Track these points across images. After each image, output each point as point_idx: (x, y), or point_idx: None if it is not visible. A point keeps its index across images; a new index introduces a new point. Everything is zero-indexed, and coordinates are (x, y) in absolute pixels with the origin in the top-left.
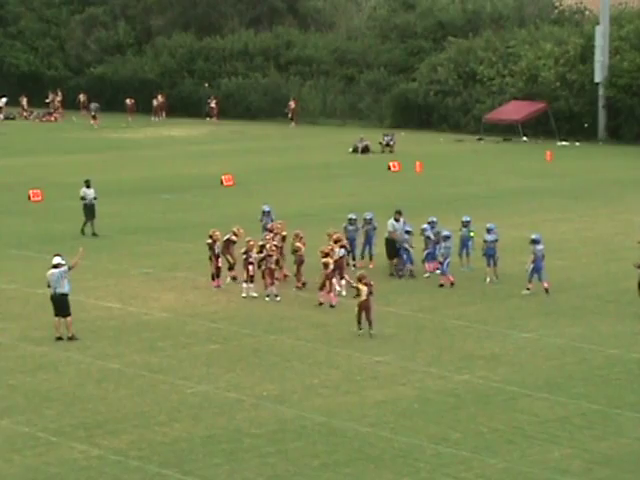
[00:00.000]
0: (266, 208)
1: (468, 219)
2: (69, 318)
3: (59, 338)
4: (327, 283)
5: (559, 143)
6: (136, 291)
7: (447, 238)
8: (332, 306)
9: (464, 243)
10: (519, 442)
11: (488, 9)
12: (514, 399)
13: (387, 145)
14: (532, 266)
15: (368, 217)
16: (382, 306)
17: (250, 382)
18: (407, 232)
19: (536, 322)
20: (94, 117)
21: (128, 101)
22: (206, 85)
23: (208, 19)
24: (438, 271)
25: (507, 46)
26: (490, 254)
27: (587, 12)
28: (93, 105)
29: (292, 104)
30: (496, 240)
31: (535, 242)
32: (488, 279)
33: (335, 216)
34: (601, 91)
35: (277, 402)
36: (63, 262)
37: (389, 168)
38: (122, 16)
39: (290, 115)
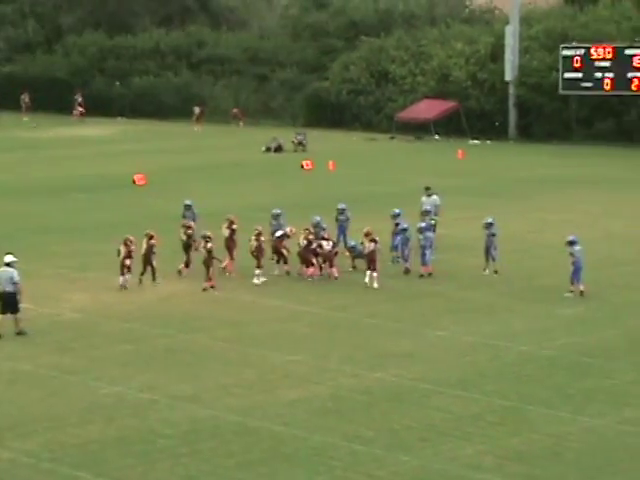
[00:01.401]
0: (187, 202)
1: (429, 208)
2: (18, 314)
3: None
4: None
5: (471, 142)
6: (48, 292)
7: (405, 230)
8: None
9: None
10: (432, 439)
11: (400, 8)
12: (427, 396)
13: (300, 144)
14: (572, 268)
15: (340, 207)
16: (295, 305)
17: (164, 382)
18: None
19: (449, 320)
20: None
21: (24, 97)
22: (117, 84)
23: (119, 17)
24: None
25: (419, 45)
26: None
27: (497, 11)
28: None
29: (197, 110)
30: (494, 234)
31: (572, 243)
32: (487, 271)
33: (251, 215)
34: (511, 90)
35: (191, 402)
36: (15, 260)
37: (302, 167)
38: (31, 14)
39: (195, 118)
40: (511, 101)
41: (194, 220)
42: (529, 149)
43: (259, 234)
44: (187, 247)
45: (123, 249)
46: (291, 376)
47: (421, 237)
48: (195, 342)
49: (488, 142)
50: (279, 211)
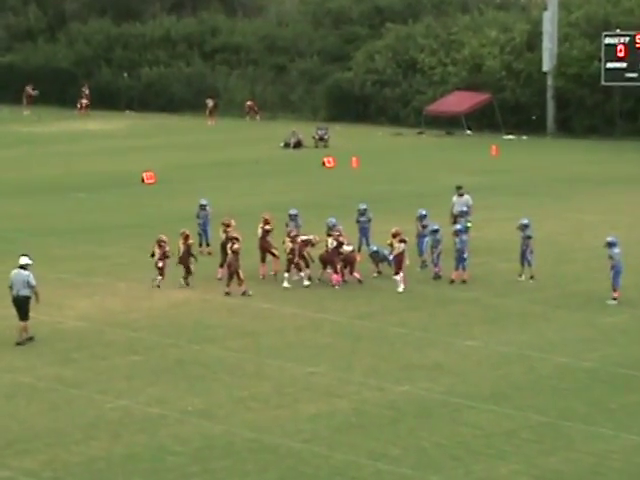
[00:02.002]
0: (203, 201)
1: (465, 209)
2: (27, 322)
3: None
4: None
5: (505, 137)
6: (50, 298)
7: (436, 232)
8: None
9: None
10: (463, 458)
11: None
12: (458, 411)
13: (321, 139)
14: (612, 273)
15: (362, 208)
16: (315, 312)
17: (174, 396)
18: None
19: (481, 329)
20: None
21: (28, 89)
22: (125, 75)
23: (127, 3)
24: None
25: (449, 33)
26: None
27: None
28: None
29: (210, 102)
30: (530, 237)
31: (611, 245)
32: (522, 277)
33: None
34: (549, 81)
35: (203, 417)
36: (30, 262)
37: (323, 164)
38: (33, 0)
39: (208, 112)
40: (549, 93)
41: (206, 222)
42: (568, 145)
43: (296, 236)
44: (225, 247)
45: (157, 250)
46: (311, 389)
47: (457, 240)
48: (207, 353)
49: (524, 137)
50: (296, 212)
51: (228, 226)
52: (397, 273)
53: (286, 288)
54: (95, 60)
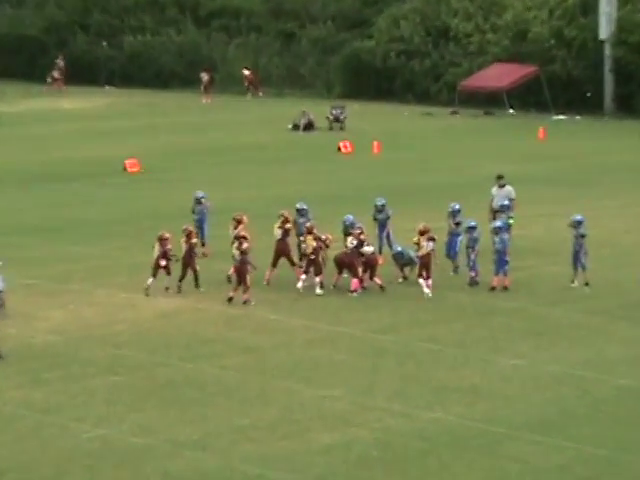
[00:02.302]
0: (199, 194)
1: (507, 203)
2: None
3: None
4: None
5: (555, 117)
6: (17, 308)
7: (473, 229)
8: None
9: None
10: None
11: None
12: (499, 443)
13: (336, 120)
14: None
15: (379, 203)
16: (330, 325)
17: (163, 424)
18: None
19: (527, 345)
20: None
21: None
22: (104, 44)
23: None
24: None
25: None
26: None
27: None
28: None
29: (205, 76)
30: (583, 235)
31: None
32: (577, 282)
33: (272, 211)
34: (607, 51)
35: (197, 449)
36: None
37: (339, 149)
38: None
39: (203, 87)
40: (607, 65)
41: (203, 218)
42: (629, 127)
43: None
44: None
45: (157, 247)
46: (325, 416)
47: (497, 239)
48: (202, 372)
49: (577, 118)
50: (305, 206)
51: (239, 222)
52: (421, 276)
53: (301, 293)
54: (69, 27)
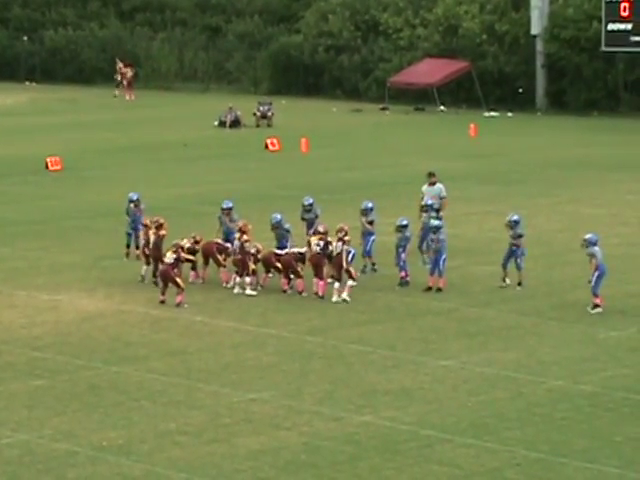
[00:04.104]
0: (133, 196)
1: (430, 202)
2: None
3: None
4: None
5: (486, 114)
6: None
7: (404, 227)
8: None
9: (427, 233)
10: None
11: None
12: (430, 447)
13: (263, 117)
14: (597, 274)
15: (307, 203)
16: (258, 327)
17: (86, 428)
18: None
19: (458, 346)
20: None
21: None
22: (25, 38)
23: None
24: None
25: None
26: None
27: None
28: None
29: (122, 67)
30: (521, 235)
31: (591, 243)
32: (508, 281)
33: (197, 209)
34: (539, 46)
35: (121, 454)
36: None
37: (266, 147)
38: None
39: (121, 81)
40: (539, 61)
41: (137, 220)
42: (562, 123)
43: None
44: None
45: (142, 235)
46: (252, 420)
47: (434, 238)
48: (127, 376)
49: (509, 114)
50: (231, 204)
51: (244, 232)
52: (334, 278)
53: (230, 294)
54: None
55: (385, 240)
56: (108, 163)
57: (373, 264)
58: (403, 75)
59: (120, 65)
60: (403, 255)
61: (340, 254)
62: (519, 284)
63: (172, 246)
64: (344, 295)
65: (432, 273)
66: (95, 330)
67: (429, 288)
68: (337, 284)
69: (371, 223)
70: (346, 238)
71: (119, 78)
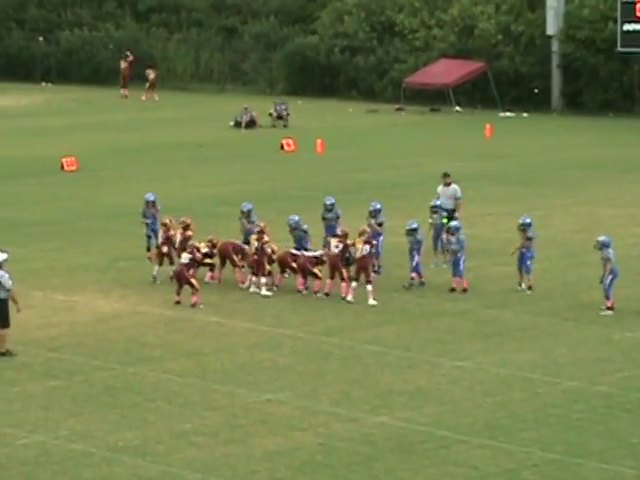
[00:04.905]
0: (150, 197)
1: (438, 203)
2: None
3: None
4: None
5: (502, 114)
6: None
7: (414, 231)
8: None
9: (438, 233)
10: None
11: None
12: (446, 447)
13: (279, 117)
14: (610, 277)
15: (329, 202)
16: (274, 328)
17: (102, 429)
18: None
19: (474, 347)
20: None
21: None
22: (41, 39)
23: None
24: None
25: None
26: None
27: None
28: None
29: (152, 73)
30: (531, 238)
31: (605, 246)
32: (524, 285)
33: (212, 210)
34: (555, 47)
35: (137, 455)
36: (6, 257)
37: (282, 147)
38: None
39: (148, 85)
40: (555, 61)
41: (156, 221)
42: (578, 123)
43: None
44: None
45: (160, 234)
46: (268, 421)
47: (453, 240)
48: (142, 377)
49: (524, 115)
50: (250, 206)
51: (262, 233)
52: (357, 279)
53: (244, 295)
54: (4, 21)
55: (400, 241)
56: (124, 164)
57: (379, 266)
58: (419, 76)
59: (125, 65)
60: (417, 257)
61: (365, 256)
62: (529, 288)
63: (188, 247)
64: (371, 301)
65: (455, 274)
66: (111, 331)
67: (453, 289)
68: (354, 283)
69: (381, 225)
70: (373, 242)
71: (123, 74)
